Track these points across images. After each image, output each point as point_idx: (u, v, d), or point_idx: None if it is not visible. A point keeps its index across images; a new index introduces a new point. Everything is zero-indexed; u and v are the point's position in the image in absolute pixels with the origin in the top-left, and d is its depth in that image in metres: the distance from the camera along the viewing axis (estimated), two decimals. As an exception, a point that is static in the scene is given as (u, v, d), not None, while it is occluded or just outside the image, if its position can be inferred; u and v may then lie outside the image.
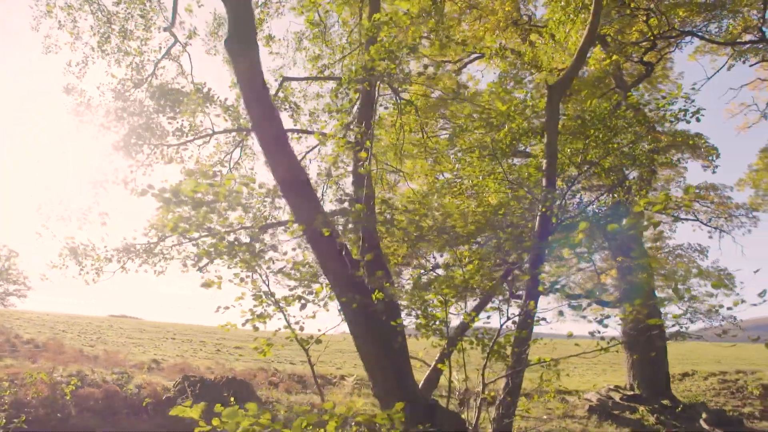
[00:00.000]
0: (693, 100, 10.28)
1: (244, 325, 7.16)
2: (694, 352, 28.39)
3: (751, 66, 16.38)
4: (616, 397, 16.09)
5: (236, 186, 6.46)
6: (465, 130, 11.83)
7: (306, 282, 7.72)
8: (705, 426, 13.90)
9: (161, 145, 13.15)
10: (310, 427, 4.19)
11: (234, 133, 13.72)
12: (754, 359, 19.16)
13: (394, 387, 7.96)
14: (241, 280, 6.98)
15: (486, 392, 7.54)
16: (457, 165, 13.01)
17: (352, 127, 11.09)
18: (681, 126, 14.52)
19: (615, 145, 11.01)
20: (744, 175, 17.55)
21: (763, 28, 15.38)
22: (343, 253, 7.98)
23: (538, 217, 9.94)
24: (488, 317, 7.92)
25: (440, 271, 10.77)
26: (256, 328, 7.17)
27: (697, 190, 17.06)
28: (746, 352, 24.81)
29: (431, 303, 7.69)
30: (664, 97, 10.54)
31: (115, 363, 16.40)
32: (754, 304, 5.59)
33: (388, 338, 8.28)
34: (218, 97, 12.60)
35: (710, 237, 17.44)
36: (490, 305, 9.07)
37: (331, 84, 13.89)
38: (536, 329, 9.21)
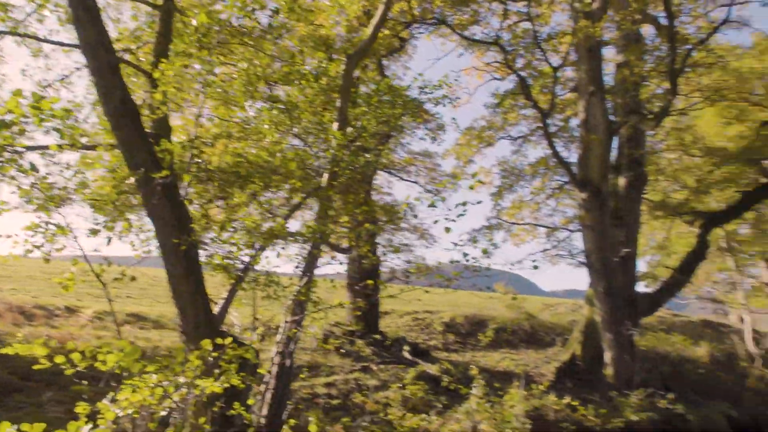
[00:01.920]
0: (450, 85, 12.14)
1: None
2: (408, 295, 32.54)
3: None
4: (338, 332, 18.02)
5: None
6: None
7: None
8: (407, 356, 16.68)
9: None
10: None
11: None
12: (438, 302, 23.23)
13: (203, 323, 8.31)
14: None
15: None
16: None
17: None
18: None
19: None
20: (450, 148, 21.06)
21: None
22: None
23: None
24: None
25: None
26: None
27: (417, 156, 19.96)
28: (450, 297, 28.76)
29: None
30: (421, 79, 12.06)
31: None
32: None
33: (201, 277, 8.62)
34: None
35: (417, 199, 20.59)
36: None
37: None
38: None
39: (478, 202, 10.53)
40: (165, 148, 7.63)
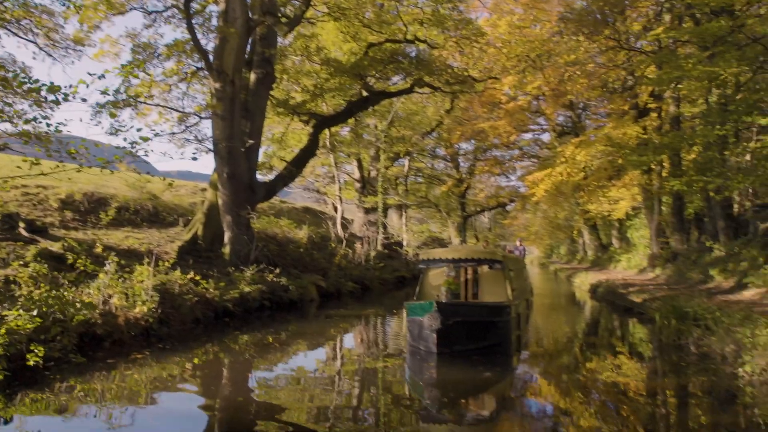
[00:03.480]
0: None
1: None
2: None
3: None
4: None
5: None
6: None
7: None
8: (24, 233, 15.45)
9: None
10: None
11: None
12: (51, 177, 21.00)
13: None
14: None
15: None
16: None
17: None
18: None
19: None
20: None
21: None
22: None
23: None
24: None
25: None
26: None
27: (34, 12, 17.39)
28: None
29: None
30: None
31: None
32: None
33: None
34: None
35: (34, 58, 18.16)
36: None
37: None
38: None
39: (101, 77, 10.27)
40: None
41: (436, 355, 10.10)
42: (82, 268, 11.31)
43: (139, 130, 15.89)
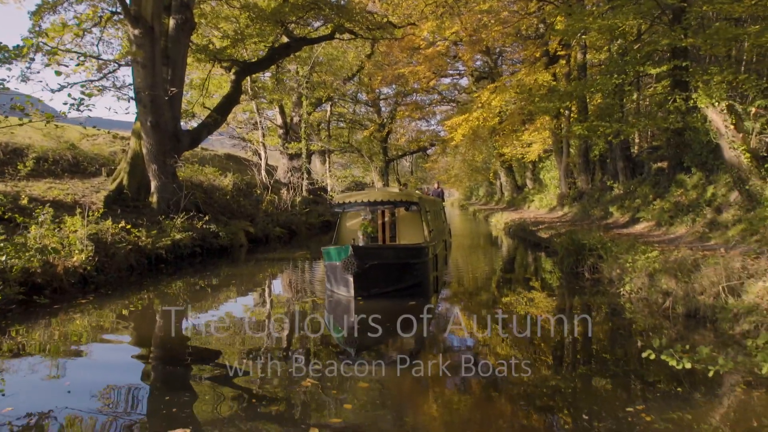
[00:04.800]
0: None
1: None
2: None
3: None
4: None
5: None
6: None
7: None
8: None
9: None
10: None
11: None
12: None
13: None
14: None
15: None
16: None
17: None
18: None
19: None
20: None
21: None
22: None
23: None
24: None
25: None
26: None
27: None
28: None
29: None
30: None
31: None
32: None
33: None
34: None
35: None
36: None
37: None
38: None
39: None
40: None
41: (353, 299, 10.14)
42: (19, 220, 11.45)
43: (59, 74, 15.51)
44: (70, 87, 16.57)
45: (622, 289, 9.91)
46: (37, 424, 4.82)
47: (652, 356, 4.78)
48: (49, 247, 10.49)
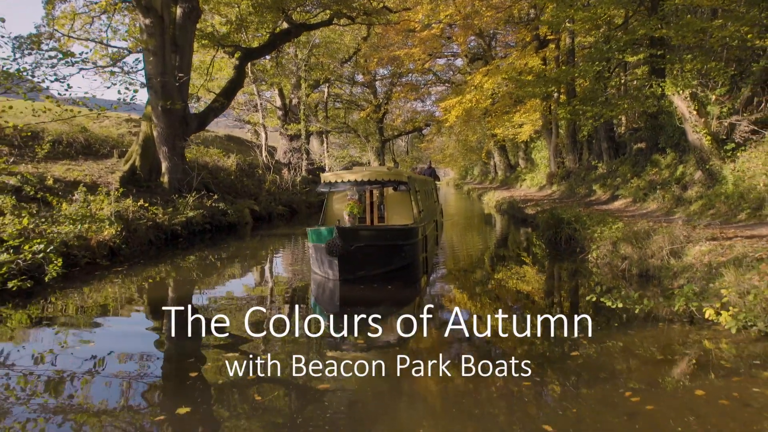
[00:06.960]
0: None
1: None
2: None
3: None
4: None
5: None
6: None
7: None
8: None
9: None
10: None
11: None
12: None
13: None
14: None
15: None
16: None
17: None
18: None
19: None
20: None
21: None
22: None
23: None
24: None
25: None
26: None
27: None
28: None
29: None
30: None
31: None
32: None
33: None
34: None
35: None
36: None
37: None
38: None
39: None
40: None
41: (339, 282, 9.85)
42: (51, 199, 12.70)
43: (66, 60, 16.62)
44: (82, 72, 17.74)
45: (590, 256, 11.31)
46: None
47: (594, 299, 6.16)
48: (87, 221, 11.78)
